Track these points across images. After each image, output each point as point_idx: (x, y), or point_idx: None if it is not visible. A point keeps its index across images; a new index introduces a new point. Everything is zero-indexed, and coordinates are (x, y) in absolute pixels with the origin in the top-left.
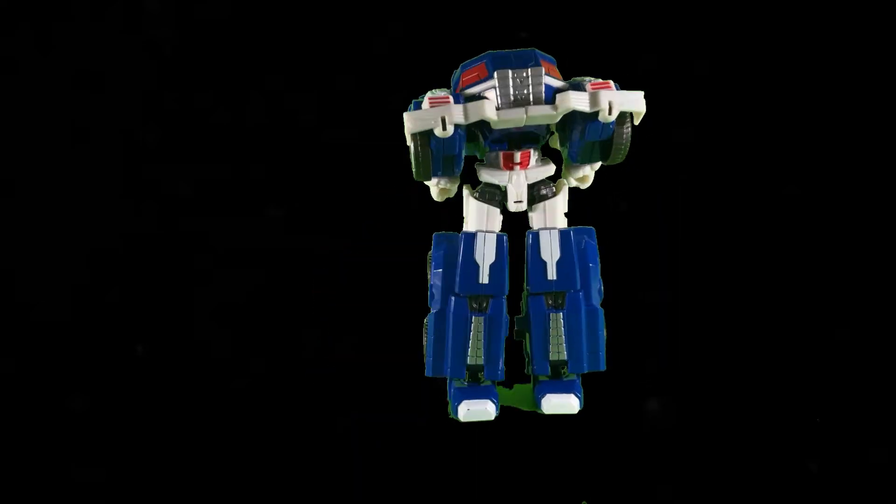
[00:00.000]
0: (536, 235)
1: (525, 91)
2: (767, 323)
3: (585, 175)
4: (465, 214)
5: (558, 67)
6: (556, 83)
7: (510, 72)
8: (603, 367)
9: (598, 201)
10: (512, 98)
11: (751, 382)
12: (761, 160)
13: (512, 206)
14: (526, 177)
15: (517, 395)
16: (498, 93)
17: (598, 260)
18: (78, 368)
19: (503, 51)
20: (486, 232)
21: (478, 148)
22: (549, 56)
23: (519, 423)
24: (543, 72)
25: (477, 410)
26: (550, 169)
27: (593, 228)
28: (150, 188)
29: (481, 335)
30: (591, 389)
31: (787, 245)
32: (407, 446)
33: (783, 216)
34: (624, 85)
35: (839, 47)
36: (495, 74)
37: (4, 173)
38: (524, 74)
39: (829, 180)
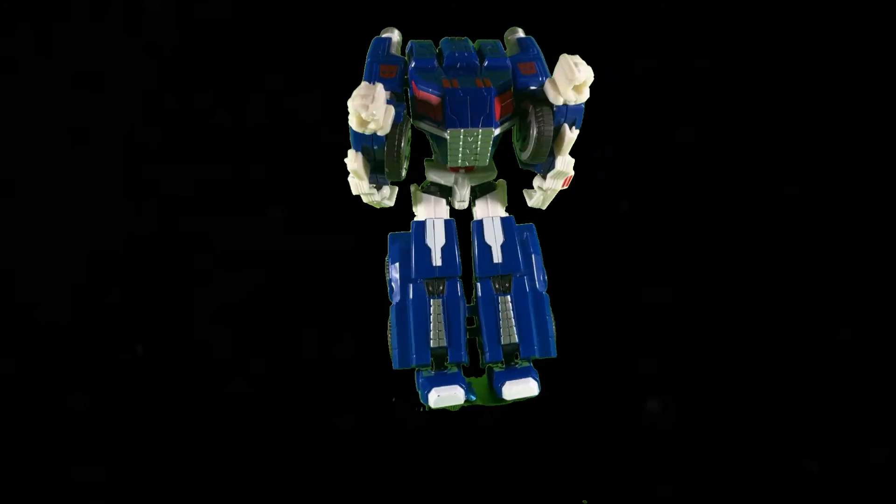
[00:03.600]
0: (480, 222)
1: (474, 146)
2: (767, 323)
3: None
4: (414, 209)
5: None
6: (506, 126)
7: (462, 133)
8: (554, 354)
9: (597, 201)
10: (460, 153)
11: (751, 383)
12: (761, 160)
13: (456, 205)
14: (470, 179)
15: (477, 391)
16: (448, 147)
17: (541, 252)
18: (78, 368)
19: (462, 91)
20: (435, 218)
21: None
22: (504, 73)
23: (516, 422)
24: (495, 129)
25: (447, 396)
26: (494, 172)
27: (533, 224)
28: (150, 188)
29: (441, 317)
30: (590, 389)
31: (787, 245)
32: (394, 446)
33: (783, 216)
34: (624, 85)
35: (838, 47)
36: (447, 133)
37: (4, 173)
38: (475, 134)
39: (829, 180)
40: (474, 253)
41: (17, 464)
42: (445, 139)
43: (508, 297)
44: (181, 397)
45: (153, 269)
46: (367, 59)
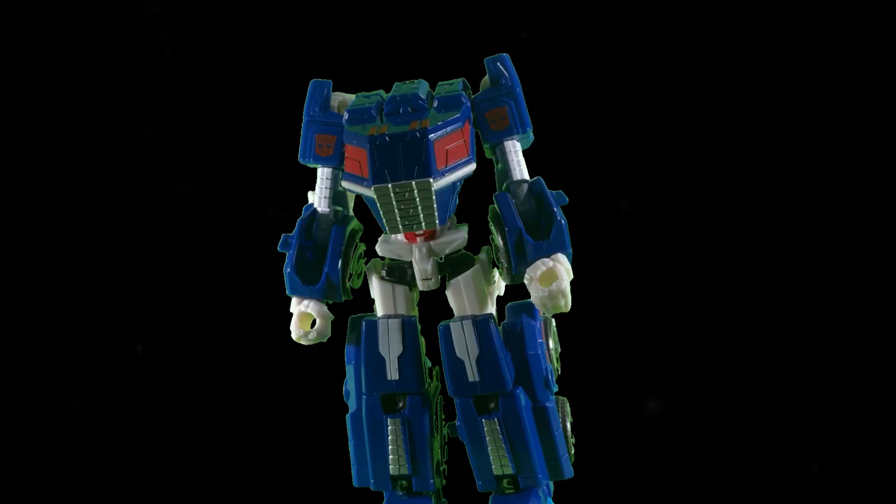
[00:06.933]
0: (447, 329)
1: (413, 205)
2: (768, 323)
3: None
4: (371, 296)
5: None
6: (456, 175)
7: (390, 187)
8: (567, 475)
9: (598, 201)
10: (397, 213)
11: (751, 383)
12: (760, 160)
13: (421, 286)
14: (431, 250)
15: None
16: (380, 209)
17: (543, 343)
18: (78, 368)
19: (390, 137)
20: (390, 318)
21: None
22: (455, 113)
23: None
24: (434, 178)
25: None
26: (462, 236)
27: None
28: (150, 188)
29: (401, 440)
30: (590, 389)
31: (787, 245)
32: None
33: (783, 216)
34: (624, 84)
35: (839, 47)
36: (373, 190)
37: (4, 173)
38: (409, 189)
39: (830, 180)
40: (444, 369)
41: (17, 463)
42: (377, 208)
43: (495, 418)
44: (181, 397)
45: (153, 268)
46: (303, 118)
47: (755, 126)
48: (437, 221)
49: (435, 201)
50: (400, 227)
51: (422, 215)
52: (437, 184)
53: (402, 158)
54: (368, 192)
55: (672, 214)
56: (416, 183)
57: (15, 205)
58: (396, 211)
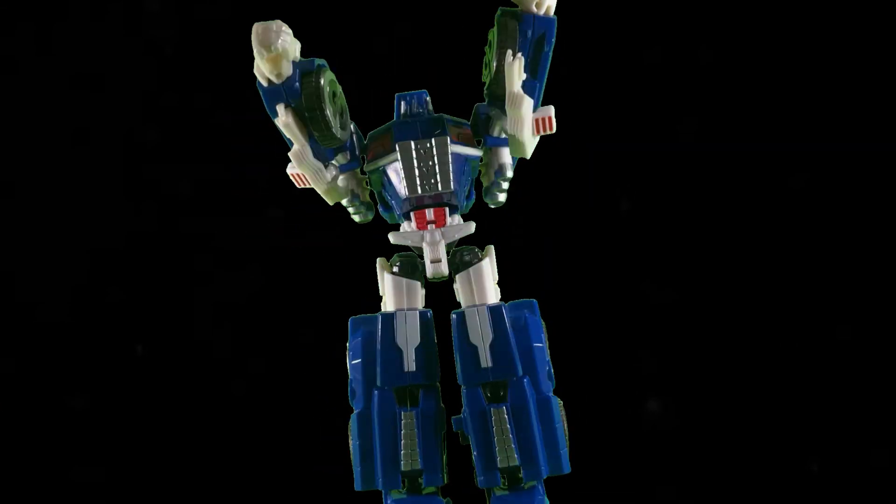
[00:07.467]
0: (461, 316)
1: (430, 163)
2: (768, 323)
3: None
4: (381, 293)
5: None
6: (467, 150)
7: (412, 143)
8: (566, 470)
9: (599, 201)
10: (416, 172)
11: (751, 383)
12: (762, 156)
13: (429, 270)
14: (443, 234)
15: None
16: (401, 166)
17: (545, 338)
18: (78, 368)
19: (411, 119)
20: (407, 310)
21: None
22: (463, 120)
23: None
24: (450, 141)
25: None
26: (471, 225)
27: (535, 301)
28: (150, 188)
29: (415, 434)
30: (590, 389)
31: (787, 245)
32: None
33: (784, 213)
34: (625, 81)
35: (840, 43)
36: (397, 147)
37: (4, 173)
38: (428, 145)
39: (832, 177)
40: (457, 356)
41: (17, 463)
42: (398, 170)
43: (504, 407)
44: (181, 397)
45: (153, 268)
46: None
47: (755, 124)
48: (451, 184)
49: (451, 162)
50: (418, 187)
51: (438, 174)
52: (453, 147)
53: (421, 129)
54: (391, 158)
55: (672, 214)
56: (435, 140)
57: (15, 205)
58: (416, 169)
